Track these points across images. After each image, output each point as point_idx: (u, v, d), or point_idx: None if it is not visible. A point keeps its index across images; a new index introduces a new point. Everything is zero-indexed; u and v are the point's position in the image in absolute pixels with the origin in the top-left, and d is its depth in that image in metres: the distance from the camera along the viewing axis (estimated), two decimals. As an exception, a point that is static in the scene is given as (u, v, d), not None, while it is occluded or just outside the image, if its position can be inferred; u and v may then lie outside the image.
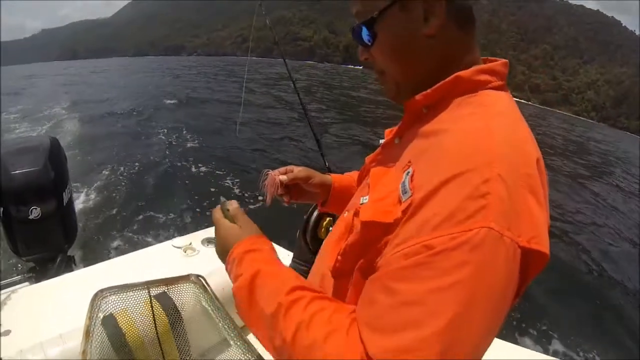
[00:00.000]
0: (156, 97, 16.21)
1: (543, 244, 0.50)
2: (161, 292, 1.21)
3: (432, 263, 0.48)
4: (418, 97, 0.67)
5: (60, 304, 1.43)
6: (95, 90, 18.09)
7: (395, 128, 0.78)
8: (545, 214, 0.54)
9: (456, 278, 0.47)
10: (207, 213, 5.45)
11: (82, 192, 5.79)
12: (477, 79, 0.64)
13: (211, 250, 1.98)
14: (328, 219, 1.45)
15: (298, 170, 1.01)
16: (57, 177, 2.13)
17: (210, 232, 2.16)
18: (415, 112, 0.69)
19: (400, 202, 0.56)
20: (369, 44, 0.69)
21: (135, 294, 1.17)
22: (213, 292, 1.20)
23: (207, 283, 1.25)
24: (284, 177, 0.98)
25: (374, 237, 0.59)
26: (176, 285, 1.24)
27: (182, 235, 2.09)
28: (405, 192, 0.56)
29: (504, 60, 0.68)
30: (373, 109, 18.63)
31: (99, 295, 1.09)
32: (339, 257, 0.68)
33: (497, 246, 0.47)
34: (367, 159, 0.85)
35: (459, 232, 0.47)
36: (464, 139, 0.55)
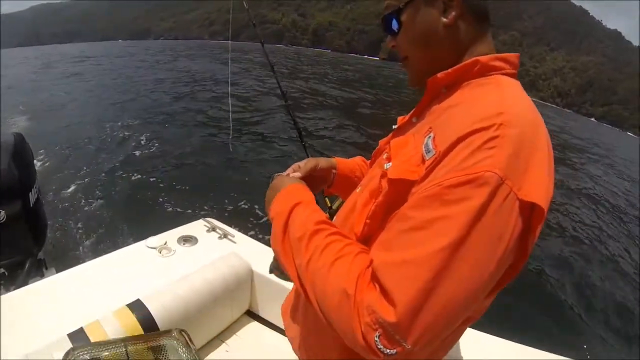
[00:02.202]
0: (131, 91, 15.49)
1: (540, 199, 0.56)
2: (141, 350, 1.12)
3: (440, 195, 0.56)
4: (440, 75, 0.74)
5: (29, 318, 1.35)
6: (59, 86, 17.06)
7: (407, 116, 0.85)
8: (548, 180, 0.60)
9: (459, 209, 0.54)
10: (178, 209, 5.30)
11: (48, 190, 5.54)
12: (492, 64, 0.71)
13: (188, 250, 1.94)
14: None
15: (304, 164, 1.05)
16: (23, 177, 2.04)
17: (186, 229, 2.11)
18: (435, 90, 0.77)
19: (424, 161, 0.63)
20: (396, 31, 0.78)
21: (111, 352, 1.07)
22: (195, 350, 1.16)
23: (189, 339, 1.18)
24: (297, 174, 1.00)
25: (400, 195, 0.65)
26: (157, 341, 1.16)
27: (156, 234, 2.01)
28: (429, 151, 0.62)
29: (516, 53, 0.75)
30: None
31: (71, 355, 1.00)
32: (368, 221, 0.73)
33: (498, 189, 0.54)
34: (381, 141, 0.92)
35: (465, 174, 0.55)
36: (482, 106, 0.62)
